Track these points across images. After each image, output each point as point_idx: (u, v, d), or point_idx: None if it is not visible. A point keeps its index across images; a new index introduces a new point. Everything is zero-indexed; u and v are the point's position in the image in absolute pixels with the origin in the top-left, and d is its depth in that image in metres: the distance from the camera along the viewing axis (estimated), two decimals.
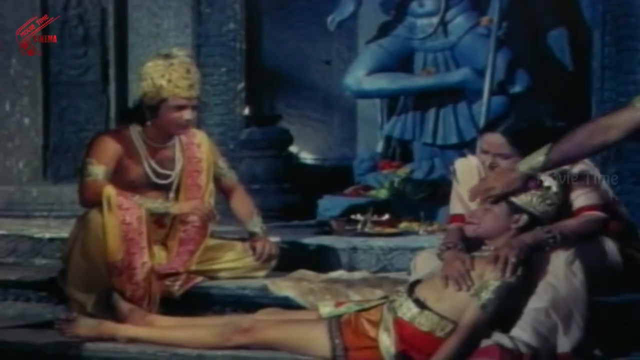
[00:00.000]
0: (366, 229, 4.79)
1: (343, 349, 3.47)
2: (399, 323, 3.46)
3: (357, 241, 4.53)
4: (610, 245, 3.76)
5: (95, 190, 4.06)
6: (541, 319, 3.43)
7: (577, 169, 3.68)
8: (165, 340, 3.73)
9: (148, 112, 4.19)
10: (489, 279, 3.36)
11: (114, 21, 5.90)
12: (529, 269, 3.44)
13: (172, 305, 4.08)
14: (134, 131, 4.25)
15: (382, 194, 5.34)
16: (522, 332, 3.42)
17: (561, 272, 3.48)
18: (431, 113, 5.48)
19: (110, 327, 3.81)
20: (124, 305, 3.97)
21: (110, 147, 4.17)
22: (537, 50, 5.53)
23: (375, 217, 4.88)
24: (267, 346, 3.58)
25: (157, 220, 4.18)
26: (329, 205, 5.40)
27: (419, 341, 3.43)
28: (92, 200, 4.06)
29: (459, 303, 3.41)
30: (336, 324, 3.51)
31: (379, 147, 5.75)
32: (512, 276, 3.36)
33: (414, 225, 4.92)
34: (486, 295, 3.35)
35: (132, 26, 5.94)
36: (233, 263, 4.30)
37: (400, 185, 5.31)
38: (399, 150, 5.73)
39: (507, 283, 3.36)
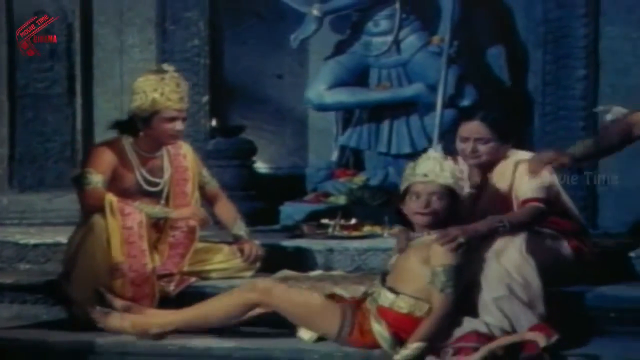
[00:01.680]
0: (335, 232, 5.17)
1: (350, 328, 3.85)
2: (381, 311, 3.86)
3: (333, 243, 4.89)
4: (562, 241, 4.24)
5: (97, 197, 4.35)
6: (505, 306, 3.84)
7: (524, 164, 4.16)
8: (188, 318, 4.05)
9: (141, 124, 4.49)
10: (435, 266, 3.77)
11: (80, 37, 6.10)
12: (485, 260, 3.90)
13: (169, 305, 4.36)
14: (127, 142, 4.54)
15: (342, 200, 5.71)
16: (492, 319, 3.83)
17: (516, 260, 3.92)
18: (385, 125, 5.90)
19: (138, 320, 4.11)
20: (118, 303, 4.26)
21: (106, 157, 4.46)
22: (481, 67, 6.01)
23: (342, 221, 5.26)
24: (279, 309, 3.93)
25: (154, 224, 4.48)
26: (292, 211, 5.74)
27: (402, 323, 3.82)
28: (95, 207, 4.34)
29: (421, 283, 3.81)
30: (351, 304, 3.90)
31: (334, 156, 6.15)
32: (454, 258, 3.77)
33: (377, 229, 5.30)
34: (439, 280, 3.76)
35: (97, 42, 6.16)
36: (222, 264, 4.63)
37: (358, 192, 5.70)
38: (352, 160, 6.14)
39: (451, 265, 3.76)
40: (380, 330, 3.84)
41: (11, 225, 5.86)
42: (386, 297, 3.87)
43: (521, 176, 4.15)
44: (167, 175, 4.61)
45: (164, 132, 4.49)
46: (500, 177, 4.22)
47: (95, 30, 6.17)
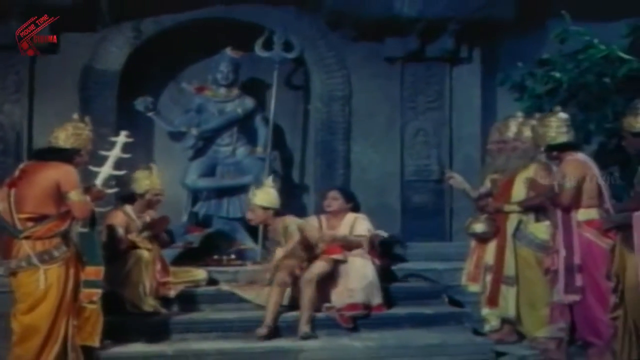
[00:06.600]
0: (224, 263, 8.92)
1: None
2: None
3: (236, 268, 8.64)
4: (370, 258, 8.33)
5: (125, 240, 7.74)
6: (367, 290, 7.86)
7: (362, 219, 8.30)
8: None
9: (138, 197, 7.99)
10: (287, 229, 7.74)
11: (26, 141, 9.19)
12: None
13: (170, 301, 7.89)
14: (128, 208, 7.99)
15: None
16: (360, 297, 7.83)
17: (369, 265, 7.99)
18: (225, 199, 9.66)
19: None
20: None
21: (120, 217, 7.88)
22: (282, 167, 10.07)
23: (226, 257, 9.01)
24: None
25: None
26: (171, 253, 9.19)
27: None
28: (127, 246, 7.73)
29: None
30: None
31: (185, 219, 9.74)
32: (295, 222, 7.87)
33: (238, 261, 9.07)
34: (290, 233, 7.72)
35: (36, 144, 9.21)
36: (189, 278, 8.20)
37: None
38: (195, 221, 9.81)
39: (290, 227, 7.76)
40: None
41: None
42: None
43: (359, 225, 8.26)
44: None
45: (152, 202, 8.04)
46: (347, 223, 8.29)
47: (35, 136, 9.23)
